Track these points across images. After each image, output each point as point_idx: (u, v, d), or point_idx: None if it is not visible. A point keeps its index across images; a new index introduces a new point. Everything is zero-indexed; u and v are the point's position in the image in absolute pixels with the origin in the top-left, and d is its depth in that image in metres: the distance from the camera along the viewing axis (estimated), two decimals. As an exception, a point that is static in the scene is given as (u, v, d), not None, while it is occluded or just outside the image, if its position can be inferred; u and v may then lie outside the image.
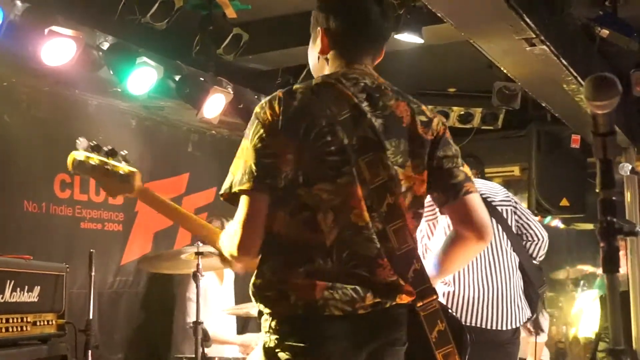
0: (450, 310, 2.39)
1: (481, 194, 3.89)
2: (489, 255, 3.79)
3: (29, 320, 3.46)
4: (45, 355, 3.54)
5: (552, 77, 4.83)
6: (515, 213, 3.95)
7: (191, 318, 4.19)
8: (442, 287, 3.78)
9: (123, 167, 2.62)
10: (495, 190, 4.04)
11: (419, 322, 2.06)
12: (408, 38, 4.92)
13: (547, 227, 7.43)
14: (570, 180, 6.88)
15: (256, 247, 2.07)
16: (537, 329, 5.25)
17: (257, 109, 2.13)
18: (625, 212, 6.79)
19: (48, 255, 4.41)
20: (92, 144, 2.63)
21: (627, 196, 6.85)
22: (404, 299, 2.06)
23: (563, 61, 4.53)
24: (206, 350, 4.35)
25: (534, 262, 3.95)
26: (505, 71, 5.00)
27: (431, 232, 3.87)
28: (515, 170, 7.57)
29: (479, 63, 5.29)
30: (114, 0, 4.47)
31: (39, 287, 3.54)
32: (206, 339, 4.38)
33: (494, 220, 3.86)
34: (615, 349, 1.45)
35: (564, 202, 6.90)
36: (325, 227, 2.01)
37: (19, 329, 3.41)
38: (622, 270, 6.98)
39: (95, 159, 2.62)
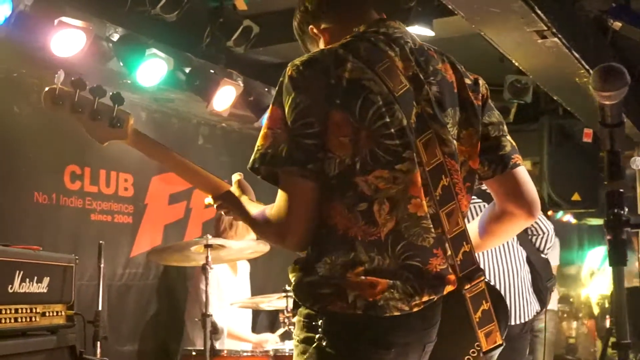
0: (497, 289, 2.22)
1: (485, 189, 3.91)
2: (496, 249, 3.77)
3: (37, 310, 3.47)
4: (54, 346, 3.54)
5: (564, 69, 4.80)
6: None
7: (209, 310, 4.20)
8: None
9: (112, 108, 2.23)
10: None
11: (460, 303, 1.91)
12: (418, 31, 4.88)
13: (559, 222, 7.42)
14: (582, 175, 6.84)
15: (306, 225, 1.85)
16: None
17: (292, 73, 1.85)
18: (638, 206, 6.74)
19: (57, 247, 4.42)
20: (74, 79, 2.21)
21: (639, 190, 6.80)
22: (448, 289, 1.91)
23: (575, 54, 4.50)
24: (215, 342, 4.36)
25: (542, 255, 3.93)
26: (516, 64, 4.97)
27: None
28: (527, 164, 7.49)
29: (490, 56, 5.26)
30: (124, -8, 4.47)
31: (48, 278, 3.53)
32: (215, 332, 4.38)
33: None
34: (621, 342, 1.43)
35: (576, 197, 6.85)
36: (380, 218, 1.83)
37: (28, 319, 3.41)
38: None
39: (75, 93, 2.21)
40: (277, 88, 1.89)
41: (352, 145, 1.80)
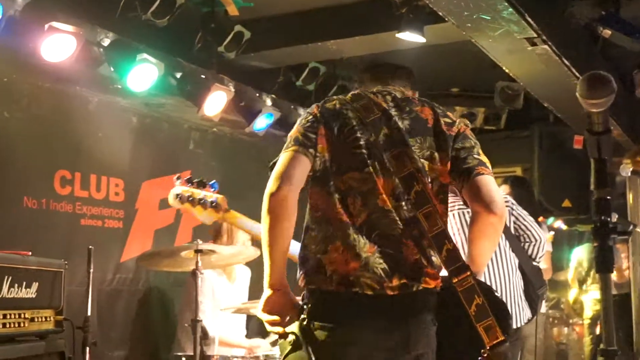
0: (493, 290, 2.45)
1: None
2: (487, 255, 3.78)
3: (26, 316, 3.45)
4: (43, 352, 3.52)
5: (554, 77, 4.82)
6: (512, 214, 3.93)
7: (198, 316, 4.18)
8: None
9: (212, 195, 3.20)
10: None
11: (457, 299, 2.17)
12: (410, 37, 4.91)
13: (549, 228, 7.43)
14: (573, 181, 6.87)
15: (296, 178, 2.35)
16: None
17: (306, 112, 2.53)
18: (628, 213, 6.76)
19: (47, 252, 4.39)
20: (186, 178, 3.20)
21: (629, 197, 6.82)
22: (430, 282, 2.30)
23: (565, 61, 4.52)
24: (205, 348, 4.34)
25: (534, 263, 3.93)
26: (507, 71, 4.99)
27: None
28: (518, 171, 7.54)
29: (482, 63, 5.28)
30: (115, -3, 4.47)
31: (37, 283, 3.52)
32: (205, 337, 4.36)
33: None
34: (608, 349, 1.43)
35: (566, 203, 6.88)
36: (354, 209, 2.31)
37: (17, 324, 3.39)
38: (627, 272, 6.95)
39: (189, 190, 3.21)
40: None
41: (330, 152, 2.37)
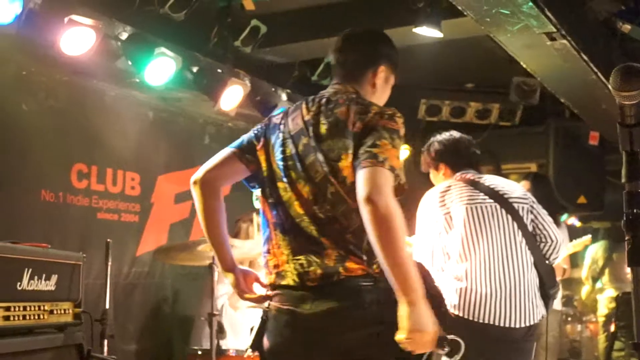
0: (435, 284, 2.53)
1: (497, 190, 3.90)
2: (503, 251, 3.75)
3: (46, 308, 3.46)
4: (61, 344, 3.53)
5: (572, 72, 4.80)
6: (531, 212, 3.91)
7: (215, 310, 4.20)
8: (455, 283, 3.75)
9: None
10: (512, 187, 4.00)
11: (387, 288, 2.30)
12: (427, 32, 4.88)
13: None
14: (588, 178, 6.84)
15: (210, 168, 2.70)
16: None
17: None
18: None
19: (64, 245, 4.42)
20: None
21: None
22: (352, 271, 2.39)
23: (583, 56, 4.50)
24: (221, 342, 4.36)
25: (547, 262, 3.90)
26: (524, 66, 4.97)
27: (449, 226, 3.84)
28: (533, 167, 7.51)
29: (498, 58, 5.27)
30: (133, -9, 4.48)
31: (56, 275, 3.53)
32: (221, 331, 4.38)
33: (509, 217, 3.82)
34: (638, 342, 1.42)
35: (581, 200, 6.85)
36: (282, 215, 2.52)
37: (36, 317, 3.40)
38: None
39: None
40: None
41: (266, 162, 2.59)
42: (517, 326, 3.68)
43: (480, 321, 3.67)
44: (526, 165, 7.46)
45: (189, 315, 5.19)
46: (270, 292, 2.55)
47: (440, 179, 4.12)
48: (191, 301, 5.25)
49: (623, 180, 1.50)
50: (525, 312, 3.71)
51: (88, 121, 4.96)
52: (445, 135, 4.17)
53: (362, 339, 2.37)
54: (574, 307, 8.43)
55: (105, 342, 3.85)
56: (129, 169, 5.25)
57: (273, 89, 5.72)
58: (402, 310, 2.25)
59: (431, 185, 4.19)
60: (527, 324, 3.72)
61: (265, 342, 2.54)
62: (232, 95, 5.15)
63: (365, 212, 2.29)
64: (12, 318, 3.25)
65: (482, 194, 3.87)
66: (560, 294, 5.54)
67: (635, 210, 1.45)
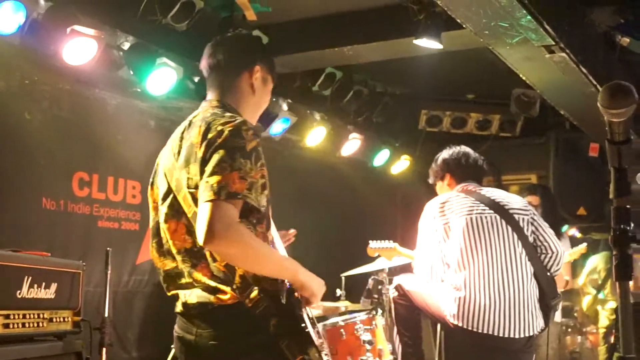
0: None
1: (498, 201, 3.92)
2: (502, 261, 3.76)
3: (45, 316, 3.49)
4: (61, 352, 3.56)
5: (572, 84, 4.82)
6: (532, 224, 3.92)
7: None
8: (454, 293, 3.76)
9: None
10: (513, 199, 4.02)
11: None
12: (427, 44, 4.92)
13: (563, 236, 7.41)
14: (588, 189, 6.86)
15: None
16: None
17: None
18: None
19: (64, 253, 4.44)
20: None
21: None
22: (223, 300, 2.35)
23: (583, 69, 4.52)
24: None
25: (548, 274, 3.91)
26: (524, 78, 4.99)
27: (447, 235, 3.86)
28: (533, 178, 7.53)
29: (498, 70, 5.29)
30: (136, 1, 4.51)
31: (56, 284, 3.56)
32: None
33: (509, 227, 3.83)
34: (626, 357, 1.44)
35: (581, 211, 6.86)
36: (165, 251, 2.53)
37: (36, 324, 3.43)
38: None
39: None
40: None
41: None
42: (517, 336, 3.69)
43: (479, 331, 3.67)
44: (526, 176, 7.48)
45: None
46: None
47: (445, 189, 4.15)
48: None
49: (611, 196, 1.52)
50: (525, 322, 3.71)
51: (90, 130, 4.99)
52: (455, 149, 4.22)
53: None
54: (574, 318, 8.42)
55: (104, 350, 3.87)
56: (130, 178, 5.27)
57: (274, 99, 5.74)
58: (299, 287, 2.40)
59: (432, 195, 4.22)
60: (527, 335, 3.72)
61: None
62: (234, 105, 5.17)
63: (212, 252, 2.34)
64: (11, 326, 3.28)
65: (482, 204, 3.89)
66: (560, 305, 5.56)
67: (622, 226, 1.47)
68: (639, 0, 4.74)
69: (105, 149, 5.08)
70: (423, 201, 4.13)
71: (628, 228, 1.48)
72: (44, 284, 3.46)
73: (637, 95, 1.51)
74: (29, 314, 3.38)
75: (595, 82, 4.72)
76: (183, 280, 2.46)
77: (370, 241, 4.92)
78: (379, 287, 4.71)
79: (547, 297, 3.87)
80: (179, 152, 2.45)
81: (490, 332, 3.67)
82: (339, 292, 5.83)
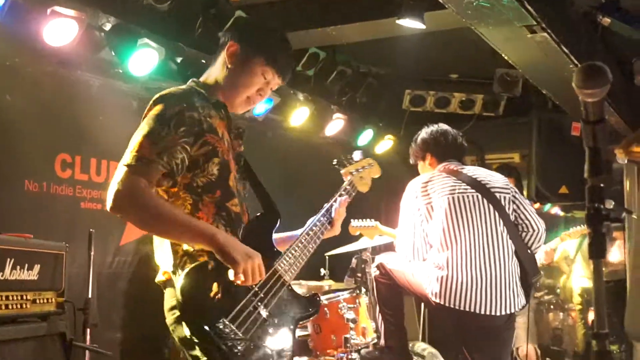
0: None
1: (479, 180, 3.95)
2: (484, 240, 3.80)
3: (28, 297, 3.50)
4: (44, 333, 3.57)
5: (553, 64, 4.83)
6: (513, 202, 3.96)
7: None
8: (436, 272, 3.80)
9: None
10: (495, 177, 4.05)
11: None
12: (410, 24, 4.92)
13: (546, 215, 7.48)
14: (570, 168, 6.89)
15: None
16: None
17: None
18: (625, 199, 6.81)
19: (48, 235, 4.41)
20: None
21: (626, 185, 6.86)
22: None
23: (564, 49, 4.53)
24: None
25: (529, 251, 3.95)
26: (506, 58, 5.01)
27: (429, 216, 3.89)
28: (516, 157, 7.58)
29: (481, 50, 5.30)
30: (117, -19, 4.49)
31: (38, 265, 3.57)
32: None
33: (490, 206, 3.87)
34: (600, 332, 1.47)
35: (563, 190, 6.91)
36: None
37: (19, 306, 3.44)
38: (618, 258, 7.01)
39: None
40: None
41: None
42: (498, 314, 3.73)
43: (461, 309, 3.71)
44: (509, 155, 7.53)
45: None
46: None
47: (427, 169, 4.17)
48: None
49: (586, 175, 1.54)
50: (506, 300, 3.76)
51: (72, 111, 4.96)
52: (433, 127, 4.23)
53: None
54: (556, 295, 8.51)
55: (88, 331, 3.89)
56: (113, 159, 5.24)
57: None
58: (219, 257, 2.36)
59: (415, 175, 4.24)
60: (508, 312, 3.76)
61: None
62: (217, 86, 5.16)
63: None
64: (-5, 307, 3.28)
65: (464, 184, 3.92)
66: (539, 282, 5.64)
67: (596, 204, 1.50)
68: (620, -20, 4.77)
69: (88, 130, 5.06)
70: (407, 180, 4.16)
71: (602, 207, 1.51)
72: (26, 265, 3.47)
73: (611, 76, 1.53)
74: (12, 296, 3.39)
75: (576, 62, 4.73)
76: None
77: (352, 220, 4.95)
78: (363, 266, 4.75)
79: (528, 275, 3.92)
80: None
81: (472, 310, 3.71)
82: (322, 271, 5.87)
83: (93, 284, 4.06)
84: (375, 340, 4.35)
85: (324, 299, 4.34)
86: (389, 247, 4.83)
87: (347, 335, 4.28)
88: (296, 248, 2.75)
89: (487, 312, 3.72)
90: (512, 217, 3.93)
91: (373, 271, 4.30)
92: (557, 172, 6.97)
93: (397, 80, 7.19)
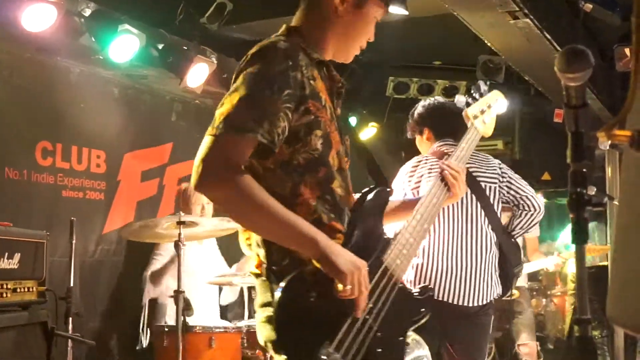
0: None
1: (467, 168, 3.91)
2: (463, 230, 3.78)
3: (9, 287, 3.46)
4: (26, 322, 3.54)
5: (536, 50, 4.84)
6: (508, 187, 3.89)
7: (181, 287, 4.22)
8: (412, 260, 3.79)
9: None
10: (485, 165, 3.97)
11: None
12: (393, 10, 4.89)
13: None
14: (553, 155, 6.93)
15: None
16: None
17: None
18: (606, 185, 6.85)
19: (29, 223, 4.40)
20: None
21: (608, 171, 6.91)
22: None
23: (546, 35, 4.54)
24: (188, 319, 4.38)
25: (512, 240, 3.93)
26: (489, 44, 5.01)
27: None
28: (499, 144, 7.59)
29: (464, 36, 5.29)
30: (96, -34, 4.43)
31: (19, 254, 3.53)
32: (187, 308, 4.40)
33: (473, 196, 3.84)
34: (582, 318, 1.47)
35: (546, 176, 6.94)
36: None
37: (-1, 295, 3.41)
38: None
39: None
40: None
41: None
42: (469, 305, 3.71)
43: (436, 298, 3.70)
44: (492, 142, 7.53)
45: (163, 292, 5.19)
46: None
47: (425, 144, 4.09)
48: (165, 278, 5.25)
49: (568, 160, 1.54)
50: (478, 292, 3.73)
51: (53, 98, 4.92)
52: (430, 101, 4.16)
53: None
54: (539, 281, 8.56)
55: (70, 319, 3.86)
56: (94, 147, 5.22)
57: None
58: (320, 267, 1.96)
59: (402, 161, 4.21)
60: (479, 304, 3.74)
61: None
62: (198, 73, 5.14)
63: None
64: (-26, 297, 3.25)
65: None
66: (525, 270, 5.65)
67: (579, 190, 1.49)
68: (602, -34, 4.77)
69: (69, 118, 5.02)
70: (391, 167, 4.14)
71: (584, 192, 1.50)
72: (6, 254, 3.43)
73: (593, 60, 1.52)
74: (-8, 285, 3.36)
75: (559, 48, 4.74)
76: None
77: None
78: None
79: (510, 265, 3.90)
80: None
81: (445, 299, 3.70)
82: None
83: (75, 273, 4.03)
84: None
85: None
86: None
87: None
88: (410, 230, 2.29)
89: (459, 303, 3.70)
90: (511, 199, 3.87)
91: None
92: (540, 159, 7.01)
93: (380, 67, 7.17)
